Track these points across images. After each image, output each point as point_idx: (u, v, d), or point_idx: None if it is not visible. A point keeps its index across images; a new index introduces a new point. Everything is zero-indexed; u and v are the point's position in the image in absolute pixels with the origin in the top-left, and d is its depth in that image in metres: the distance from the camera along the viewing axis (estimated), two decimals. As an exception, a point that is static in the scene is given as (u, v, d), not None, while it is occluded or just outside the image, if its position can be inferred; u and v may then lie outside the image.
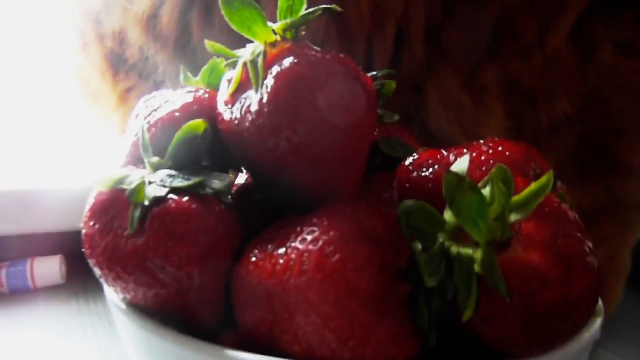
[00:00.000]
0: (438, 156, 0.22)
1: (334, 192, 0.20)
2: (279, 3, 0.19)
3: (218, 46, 0.20)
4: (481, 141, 0.22)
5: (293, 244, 0.17)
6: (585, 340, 0.18)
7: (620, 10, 0.34)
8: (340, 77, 0.18)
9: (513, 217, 0.16)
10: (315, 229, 0.17)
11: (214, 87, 0.23)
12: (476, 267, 0.15)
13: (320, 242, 0.16)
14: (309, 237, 0.17)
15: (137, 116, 0.23)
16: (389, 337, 0.16)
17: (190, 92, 0.22)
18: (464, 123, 0.34)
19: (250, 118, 0.19)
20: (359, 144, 0.19)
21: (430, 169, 0.21)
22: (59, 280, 0.51)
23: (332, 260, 0.16)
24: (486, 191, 0.16)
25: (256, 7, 0.19)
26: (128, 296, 0.19)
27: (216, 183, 0.19)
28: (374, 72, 0.27)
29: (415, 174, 0.22)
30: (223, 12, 0.19)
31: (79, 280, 0.54)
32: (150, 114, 0.22)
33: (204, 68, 0.24)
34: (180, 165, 0.20)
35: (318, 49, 0.19)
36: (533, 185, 0.16)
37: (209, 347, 0.17)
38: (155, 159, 0.20)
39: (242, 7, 0.19)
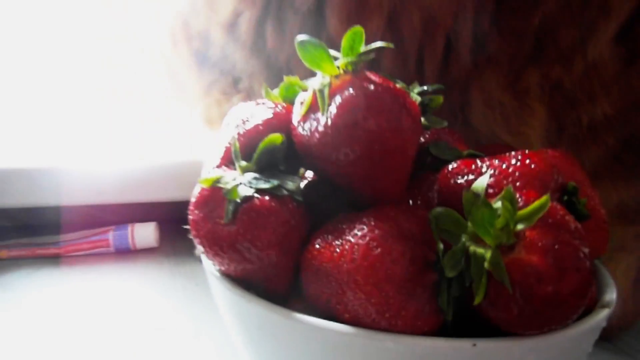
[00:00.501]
0: (473, 166, 0.26)
1: (383, 196, 0.25)
2: (343, 43, 0.24)
3: (294, 80, 0.25)
4: (512, 153, 0.26)
5: (347, 237, 0.22)
6: (585, 327, 0.22)
7: None
8: (389, 106, 0.23)
9: (519, 227, 0.20)
10: (364, 227, 0.22)
11: (289, 101, 0.28)
12: (486, 265, 0.20)
13: (367, 238, 0.21)
14: (359, 233, 0.22)
15: (228, 124, 0.28)
16: (416, 313, 0.21)
17: (271, 107, 0.28)
18: (508, 122, 0.37)
19: (317, 136, 0.24)
20: (403, 160, 0.24)
21: (465, 177, 0.26)
22: (154, 243, 0.60)
23: (375, 253, 0.21)
24: (497, 205, 0.20)
25: (324, 48, 0.24)
26: (223, 268, 0.25)
27: (290, 185, 0.25)
28: (425, 88, 0.31)
29: (452, 180, 0.26)
30: (298, 52, 0.24)
31: (170, 244, 0.62)
32: (239, 125, 0.27)
33: (282, 85, 0.29)
34: (263, 169, 0.26)
35: (375, 78, 0.24)
36: (536, 204, 0.20)
37: (281, 310, 0.23)
38: (244, 164, 0.26)
39: (312, 48, 0.24)
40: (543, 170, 0.25)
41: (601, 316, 0.24)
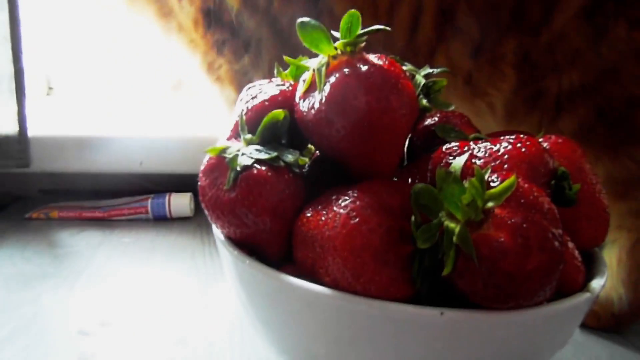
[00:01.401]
0: (465, 147, 0.27)
1: (375, 172, 0.26)
2: (341, 25, 0.25)
3: (294, 60, 0.27)
4: (507, 137, 0.27)
5: (333, 207, 0.24)
6: (559, 308, 0.23)
7: None
8: (379, 85, 0.24)
9: (489, 204, 0.21)
10: (348, 199, 0.24)
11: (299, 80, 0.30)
12: (454, 238, 0.21)
13: (348, 209, 0.23)
14: (342, 204, 0.24)
15: (240, 100, 0.31)
16: (389, 280, 0.22)
17: (279, 85, 0.29)
18: (476, 85, 0.41)
19: (313, 112, 0.25)
20: (393, 138, 0.25)
21: (454, 157, 0.26)
22: (189, 213, 0.64)
23: (353, 222, 0.23)
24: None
25: (323, 29, 0.25)
26: (224, 231, 0.28)
27: (288, 157, 0.27)
28: (431, 70, 0.32)
29: (445, 160, 0.27)
30: (298, 33, 0.25)
31: (204, 215, 0.66)
32: (249, 100, 0.29)
33: (292, 65, 0.31)
34: (266, 141, 0.28)
35: (373, 60, 0.25)
36: (504, 184, 0.21)
37: (271, 271, 0.25)
38: (249, 136, 0.28)
39: (312, 30, 0.25)
40: (533, 154, 0.26)
41: (580, 299, 0.25)
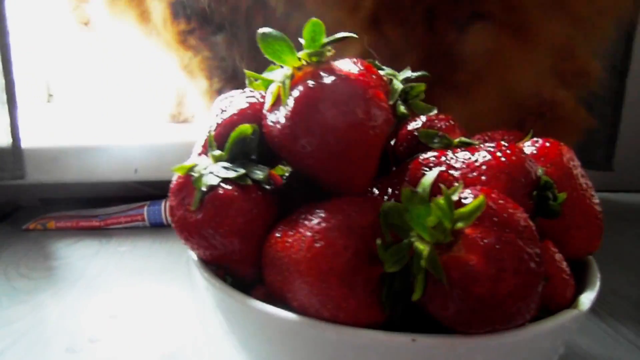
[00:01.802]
0: (442, 157, 0.26)
1: (347, 188, 0.25)
2: (304, 34, 0.24)
3: (256, 75, 0.26)
4: (487, 145, 0.25)
5: (299, 229, 0.23)
6: (543, 329, 0.22)
7: None
8: (344, 99, 0.23)
9: (459, 225, 0.20)
10: (314, 219, 0.23)
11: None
12: (422, 262, 0.20)
13: (313, 231, 0.22)
14: (309, 224, 0.22)
15: (212, 112, 0.29)
16: (358, 306, 0.21)
17: (249, 97, 0.28)
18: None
19: (279, 127, 0.24)
20: (365, 152, 0.24)
21: (430, 169, 0.25)
22: (186, 219, 0.63)
23: (317, 245, 0.21)
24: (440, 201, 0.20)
25: (285, 40, 0.24)
26: (195, 252, 0.27)
27: (257, 174, 0.26)
28: (409, 75, 0.30)
29: (421, 172, 0.26)
30: (259, 45, 0.24)
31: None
32: (219, 114, 0.28)
33: (264, 73, 0.30)
34: (235, 158, 0.27)
35: (341, 67, 0.24)
36: (473, 203, 0.19)
37: (240, 295, 0.24)
38: (217, 153, 0.27)
39: (273, 41, 0.24)
40: (513, 164, 0.24)
41: (566, 318, 0.23)
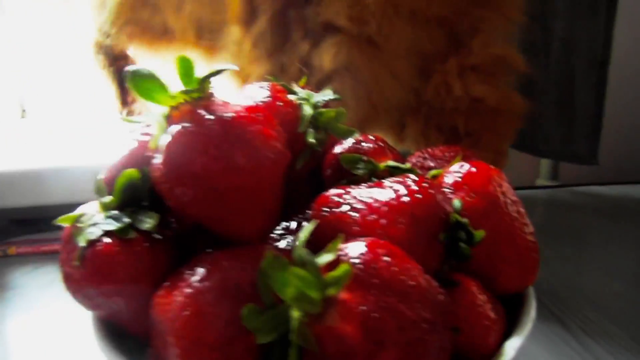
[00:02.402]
0: (345, 196, 0.23)
1: (237, 238, 0.22)
2: (176, 71, 0.21)
3: (130, 119, 0.23)
4: (398, 182, 0.23)
5: (174, 290, 0.20)
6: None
7: None
8: (220, 141, 0.20)
9: (331, 291, 0.17)
10: (191, 278, 0.20)
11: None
12: (292, 336, 0.17)
13: (184, 295, 0.20)
14: (183, 285, 0.20)
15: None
16: (234, 379, 0.19)
17: (143, 134, 0.26)
18: None
19: (157, 173, 0.22)
20: (250, 199, 0.21)
21: (332, 209, 0.23)
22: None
23: (185, 314, 0.19)
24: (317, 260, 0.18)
25: (155, 78, 0.21)
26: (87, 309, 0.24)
27: (145, 224, 0.23)
28: (321, 99, 0.28)
29: (321, 212, 0.23)
30: (129, 85, 0.22)
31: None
32: (111, 157, 0.26)
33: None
34: (125, 204, 0.24)
35: (220, 105, 0.22)
36: (339, 270, 0.17)
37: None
38: (107, 199, 0.24)
39: (143, 80, 0.21)
40: (418, 203, 0.21)
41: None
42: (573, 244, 0.61)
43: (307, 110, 0.27)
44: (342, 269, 0.17)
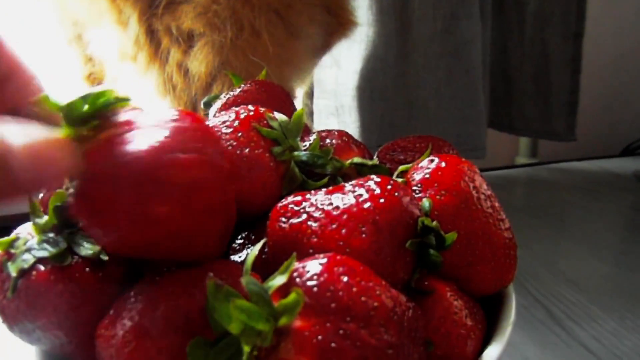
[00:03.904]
0: (304, 204, 0.21)
1: (184, 260, 0.20)
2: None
3: None
4: (359, 185, 0.21)
5: (118, 322, 0.18)
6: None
7: None
8: (135, 179, 0.17)
9: (284, 320, 0.15)
10: (133, 312, 0.18)
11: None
12: (241, 372, 0.15)
13: (125, 329, 0.18)
14: (126, 316, 0.18)
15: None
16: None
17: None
18: None
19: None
20: (174, 239, 0.18)
21: (290, 220, 0.21)
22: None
23: (126, 350, 0.17)
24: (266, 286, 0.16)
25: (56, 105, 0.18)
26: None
27: (83, 249, 0.21)
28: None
29: (278, 224, 0.21)
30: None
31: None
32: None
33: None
34: (62, 226, 0.22)
35: (125, 142, 0.18)
36: (289, 298, 0.15)
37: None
38: (42, 221, 0.22)
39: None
40: (381, 210, 0.20)
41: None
42: (554, 223, 0.60)
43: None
44: (292, 296, 0.15)
